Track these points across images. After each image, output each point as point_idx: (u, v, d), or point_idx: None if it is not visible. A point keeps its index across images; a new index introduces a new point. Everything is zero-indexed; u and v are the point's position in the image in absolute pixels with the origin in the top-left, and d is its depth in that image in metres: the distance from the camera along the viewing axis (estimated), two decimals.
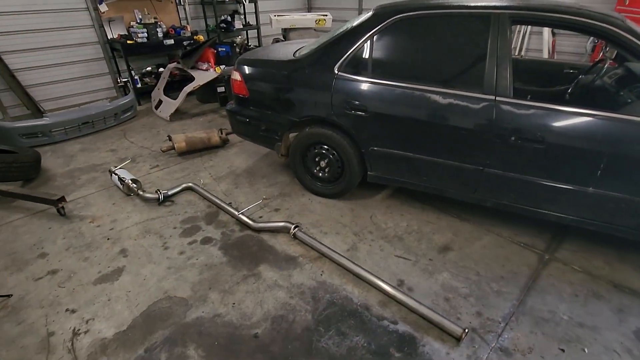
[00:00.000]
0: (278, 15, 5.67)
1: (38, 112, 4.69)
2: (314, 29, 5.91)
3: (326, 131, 2.76)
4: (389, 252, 2.49)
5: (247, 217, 2.76)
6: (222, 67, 5.17)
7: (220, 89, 5.30)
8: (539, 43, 4.86)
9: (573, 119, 2.02)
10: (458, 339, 1.84)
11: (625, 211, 2.06)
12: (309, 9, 8.11)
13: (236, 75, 3.03)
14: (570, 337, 1.88)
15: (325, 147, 2.86)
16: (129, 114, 4.93)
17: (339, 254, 2.36)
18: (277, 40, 6.36)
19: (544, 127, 2.05)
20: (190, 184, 3.23)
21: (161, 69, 5.60)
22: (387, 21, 2.39)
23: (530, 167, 2.19)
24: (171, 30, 5.58)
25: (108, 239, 2.67)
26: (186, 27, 5.73)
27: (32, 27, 4.65)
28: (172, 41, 5.40)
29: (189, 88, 4.85)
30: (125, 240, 2.64)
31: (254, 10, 6.75)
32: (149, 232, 2.72)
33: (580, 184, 2.09)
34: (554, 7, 2.04)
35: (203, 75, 4.97)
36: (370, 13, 2.51)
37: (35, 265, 2.43)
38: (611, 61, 2.88)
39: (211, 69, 5.08)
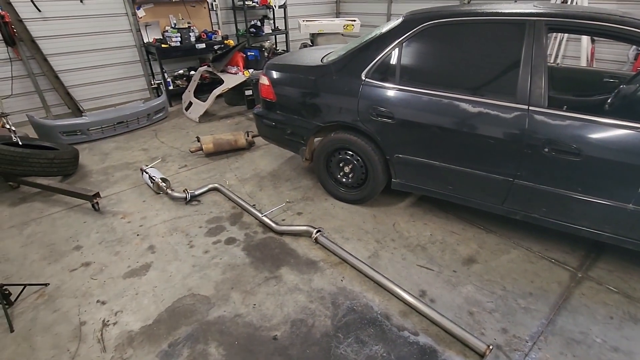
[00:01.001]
0: (307, 21, 5.74)
1: (78, 111, 4.96)
2: (342, 34, 5.93)
3: (351, 137, 2.76)
4: (412, 261, 2.45)
5: (270, 219, 2.79)
6: (251, 71, 5.29)
7: (248, 93, 5.42)
8: (576, 50, 4.65)
9: (612, 131, 1.92)
10: (482, 356, 1.78)
11: None
12: (337, 14, 8.15)
13: (264, 80, 3.09)
14: None
15: (350, 152, 2.86)
16: (160, 114, 5.13)
17: (360, 260, 2.35)
18: (305, 45, 6.43)
19: (580, 138, 1.96)
20: (216, 185, 3.32)
21: (192, 72, 5.80)
22: (417, 28, 2.37)
23: (564, 180, 2.10)
24: (203, 35, 5.76)
25: (138, 234, 2.78)
26: (217, 32, 5.90)
27: (76, 31, 4.95)
28: (203, 45, 5.58)
29: (218, 91, 4.99)
30: (154, 237, 2.74)
31: (283, 15, 6.87)
32: (176, 230, 2.81)
33: (619, 199, 1.98)
34: (594, 14, 1.95)
35: (232, 79, 5.09)
36: (400, 20, 2.49)
37: (70, 257, 2.56)
38: None
39: (240, 73, 5.21)
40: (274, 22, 6.92)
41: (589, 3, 4.46)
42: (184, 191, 3.14)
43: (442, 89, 2.33)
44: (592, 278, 2.27)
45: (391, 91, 2.48)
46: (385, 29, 2.57)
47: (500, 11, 2.17)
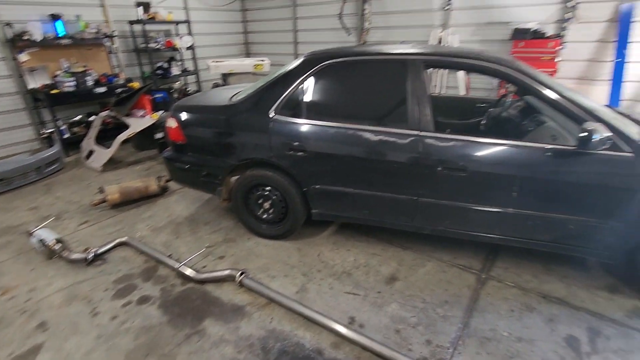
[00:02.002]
0: (216, 62, 5.77)
1: None
2: (253, 74, 6.08)
3: (267, 172, 2.78)
4: (339, 289, 2.48)
5: (190, 268, 2.60)
6: (160, 113, 5.05)
7: (158, 136, 5.13)
8: (455, 81, 5.46)
9: (487, 148, 2.25)
10: None
11: (541, 227, 2.29)
12: (247, 54, 8.37)
13: (172, 123, 2.97)
14: (512, 352, 1.97)
15: (268, 188, 2.86)
16: (54, 167, 4.54)
17: (288, 297, 2.29)
18: (217, 85, 6.42)
19: (464, 157, 2.26)
20: (124, 239, 2.99)
21: (93, 117, 5.31)
22: (318, 66, 2.55)
23: (457, 194, 2.37)
24: (103, 78, 5.38)
25: (24, 312, 2.33)
26: (119, 75, 5.58)
27: None
28: (104, 89, 5.20)
29: (123, 136, 4.64)
30: (46, 311, 2.33)
31: (192, 57, 6.81)
32: (75, 298, 2.43)
33: (502, 205, 2.30)
34: (457, 52, 2.34)
35: (138, 123, 4.80)
36: (301, 59, 2.66)
37: None
38: (514, 94, 3.31)
39: (147, 116, 4.94)
40: (183, 64, 6.81)
41: (460, 43, 5.33)
42: (84, 251, 2.77)
43: (347, 120, 2.51)
44: (494, 277, 2.55)
45: (300, 126, 2.59)
46: (288, 68, 2.71)
47: (386, 51, 2.46)
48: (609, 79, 4.41)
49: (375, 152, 2.43)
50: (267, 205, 2.94)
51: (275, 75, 2.77)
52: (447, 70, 5.58)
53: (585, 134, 1.88)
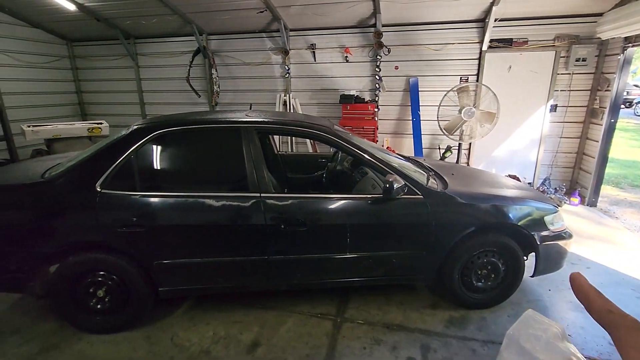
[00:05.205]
0: (34, 126, 4.89)
1: None
2: (88, 138, 5.39)
3: (97, 255, 2.39)
4: None
5: None
6: None
7: None
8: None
9: (321, 202, 2.53)
10: None
11: (374, 264, 2.64)
12: (84, 115, 7.43)
13: None
14: None
15: (101, 272, 2.45)
16: None
17: None
18: (38, 152, 5.41)
19: (302, 212, 2.46)
20: None
21: None
22: (148, 136, 2.44)
23: (302, 247, 2.54)
24: None
25: None
26: None
27: None
28: None
29: None
30: None
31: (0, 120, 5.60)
32: None
33: (340, 251, 2.57)
34: (284, 120, 2.63)
35: None
36: (130, 129, 2.51)
37: None
38: None
39: None
40: None
41: (300, 106, 6.04)
42: None
43: (186, 189, 2.44)
44: (347, 319, 2.75)
45: (135, 199, 2.38)
46: (115, 137, 2.51)
47: (219, 119, 2.57)
48: (411, 133, 5.68)
49: (221, 218, 2.42)
50: (101, 292, 2.49)
51: (102, 145, 2.52)
52: None
53: (387, 185, 2.34)
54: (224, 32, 6.17)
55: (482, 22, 5.19)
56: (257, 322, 2.72)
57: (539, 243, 2.65)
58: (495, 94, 4.72)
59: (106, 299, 2.52)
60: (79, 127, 5.29)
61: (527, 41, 5.13)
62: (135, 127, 2.53)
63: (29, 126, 4.84)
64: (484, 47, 5.20)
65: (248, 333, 2.59)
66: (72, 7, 5.39)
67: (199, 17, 5.71)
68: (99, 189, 2.36)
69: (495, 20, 4.87)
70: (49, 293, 2.49)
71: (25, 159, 5.14)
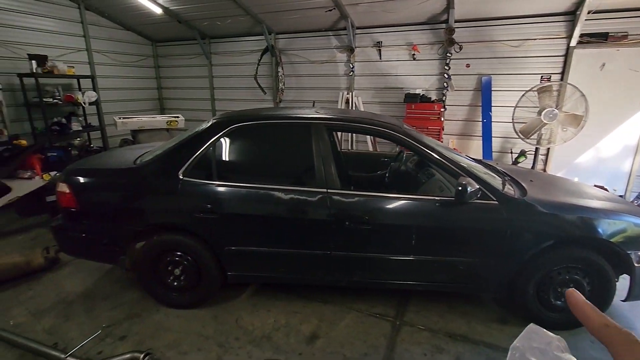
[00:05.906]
0: (124, 118, 5.49)
1: None
2: (167, 130, 5.91)
3: (177, 237, 2.62)
4: (258, 357, 2.34)
5: (80, 357, 2.21)
6: (54, 173, 4.51)
7: (51, 199, 4.52)
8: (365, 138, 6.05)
9: (386, 202, 2.49)
10: None
11: (438, 270, 2.54)
12: (162, 109, 8.16)
13: (63, 188, 2.67)
14: None
15: (178, 253, 2.68)
16: None
17: None
18: (125, 141, 6.06)
19: (367, 211, 2.45)
20: None
21: None
22: (226, 129, 2.60)
23: (365, 246, 2.52)
24: None
25: None
26: (2, 131, 4.91)
27: None
28: None
29: (0, 202, 3.98)
30: None
31: (97, 112, 6.38)
32: None
33: (403, 254, 2.51)
34: (354, 118, 2.63)
35: (23, 185, 4.19)
36: (210, 122, 2.70)
37: None
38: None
39: (36, 177, 4.36)
40: (85, 119, 6.31)
41: (363, 104, 6.00)
42: None
43: (257, 181, 2.56)
44: (407, 322, 2.68)
45: (211, 187, 2.55)
46: (197, 130, 2.72)
47: (291, 114, 2.65)
48: (481, 135, 5.34)
49: (287, 210, 2.50)
50: (177, 271, 2.73)
51: (184, 137, 2.75)
52: None
53: (460, 187, 2.22)
54: (292, 31, 6.35)
55: (571, 14, 4.69)
56: (315, 315, 2.77)
57: (636, 264, 2.33)
58: (583, 95, 4.24)
59: (182, 277, 2.75)
60: (160, 119, 5.83)
61: (627, 35, 4.52)
62: (213, 120, 2.71)
63: (120, 118, 5.45)
64: (573, 43, 4.70)
65: (307, 324, 2.65)
66: (159, 10, 5.95)
67: (269, 17, 5.94)
68: (181, 177, 2.57)
69: (588, 13, 4.37)
70: (135, 266, 2.79)
71: (116, 147, 5.80)
